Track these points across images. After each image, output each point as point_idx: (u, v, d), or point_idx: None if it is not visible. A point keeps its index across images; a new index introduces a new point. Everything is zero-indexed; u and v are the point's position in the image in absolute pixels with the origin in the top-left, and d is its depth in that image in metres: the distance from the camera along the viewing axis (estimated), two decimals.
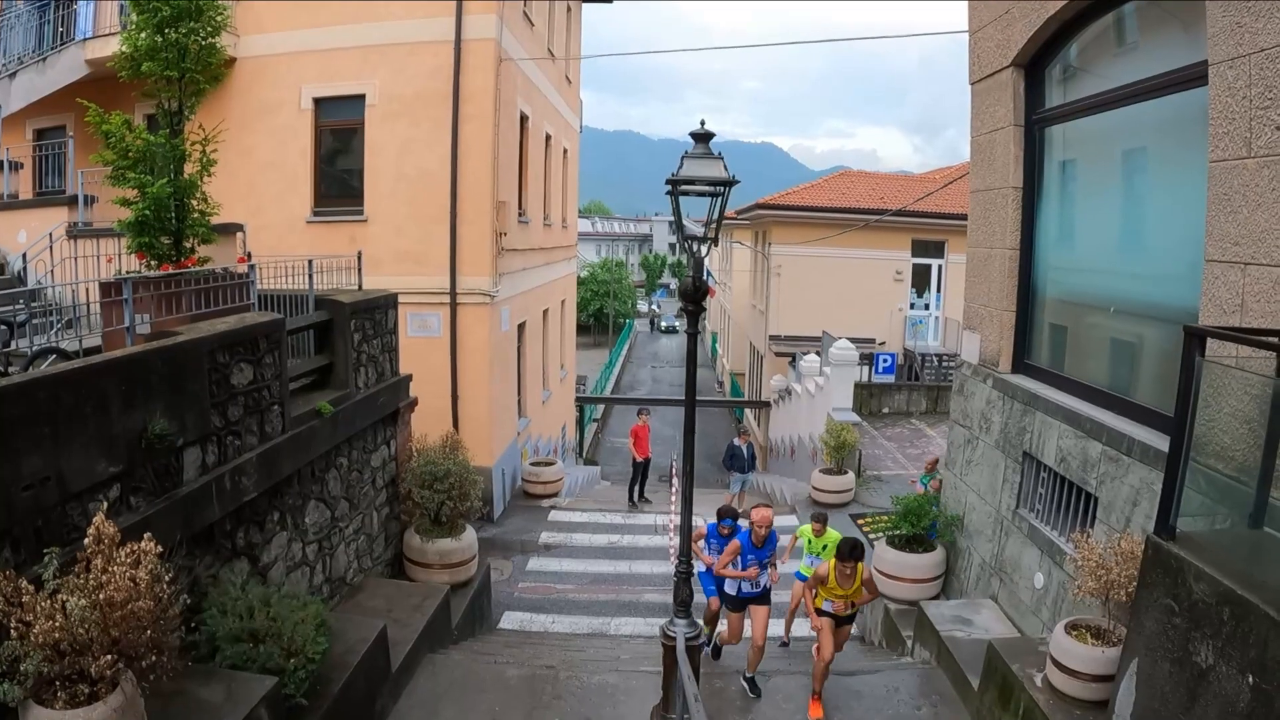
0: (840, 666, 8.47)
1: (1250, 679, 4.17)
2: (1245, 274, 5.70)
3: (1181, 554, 4.86)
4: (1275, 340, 5.06)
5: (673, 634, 7.08)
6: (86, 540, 4.45)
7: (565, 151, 23.47)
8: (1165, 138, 7.49)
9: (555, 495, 18.29)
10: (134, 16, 8.04)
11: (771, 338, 30.04)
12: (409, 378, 11.24)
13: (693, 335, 7.33)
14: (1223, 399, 5.54)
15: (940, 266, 29.76)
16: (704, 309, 7.26)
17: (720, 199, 6.77)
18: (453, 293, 15.32)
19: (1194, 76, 6.31)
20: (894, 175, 40.26)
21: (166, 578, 4.66)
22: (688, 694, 6.00)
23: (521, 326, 19.12)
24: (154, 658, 4.54)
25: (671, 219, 6.98)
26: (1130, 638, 5.42)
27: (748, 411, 33.49)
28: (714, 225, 6.90)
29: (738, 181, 6.72)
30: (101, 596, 4.26)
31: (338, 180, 15.76)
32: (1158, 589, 5.04)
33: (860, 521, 15.19)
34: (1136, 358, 7.82)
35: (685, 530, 7.45)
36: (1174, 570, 4.89)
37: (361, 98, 15.11)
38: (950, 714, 7.77)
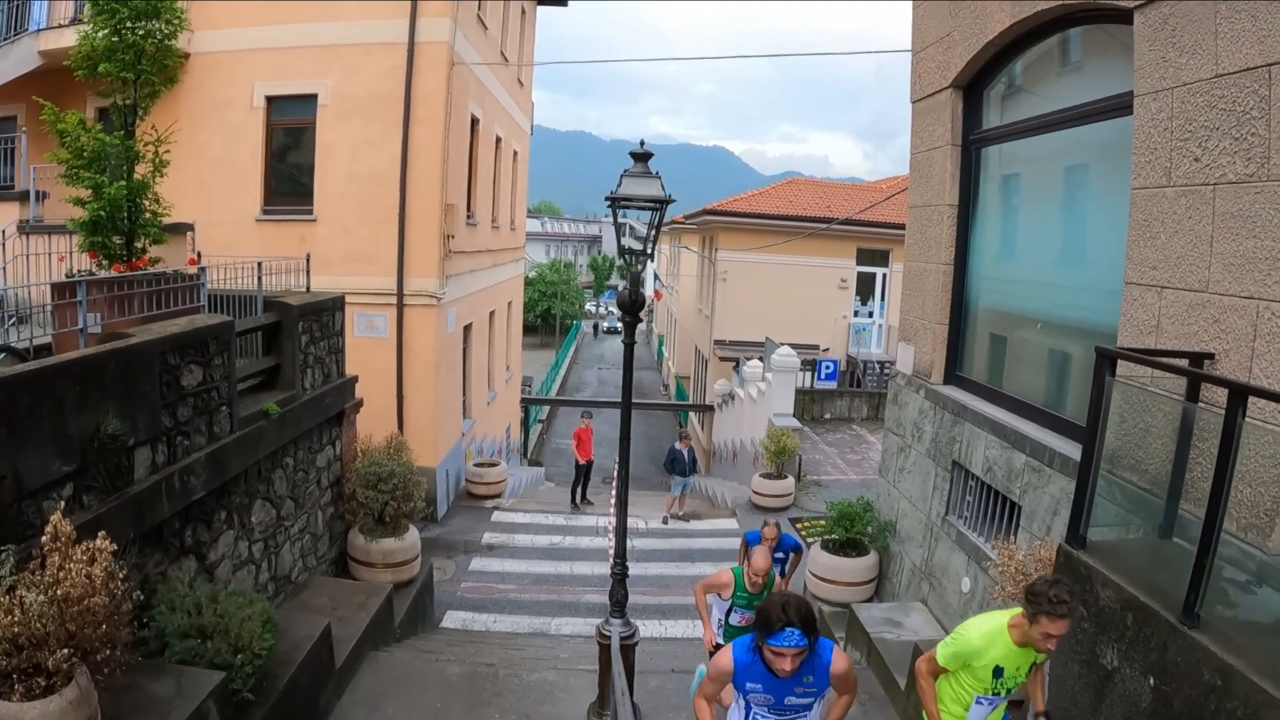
0: None
1: (1151, 680, 4.50)
2: (1161, 297, 6.02)
3: (1090, 562, 5.20)
4: (1179, 363, 5.43)
5: (608, 633, 7.35)
6: (44, 538, 4.57)
7: (515, 154, 23.62)
8: (1094, 163, 7.85)
9: (499, 496, 18.48)
10: (90, 13, 8.10)
11: (716, 342, 30.41)
12: (355, 379, 11.36)
13: (629, 345, 7.62)
14: (1138, 416, 5.89)
15: (885, 275, 30.28)
16: (641, 320, 7.56)
17: (657, 215, 7.07)
18: (400, 294, 15.41)
19: (1121, 106, 6.64)
20: (841, 184, 40.89)
21: (120, 575, 4.80)
22: (616, 691, 6.25)
23: (468, 328, 19.25)
24: (108, 651, 4.68)
25: (624, 223, 7.27)
26: None
27: (692, 415, 33.83)
28: (650, 242, 7.22)
29: (673, 200, 7.04)
30: (59, 592, 4.40)
31: (288, 179, 15.77)
32: None
33: (798, 525, 15.56)
34: (1061, 373, 8.15)
35: (621, 532, 7.70)
36: (1083, 577, 5.22)
37: (314, 97, 15.14)
38: (879, 712, 8.06)
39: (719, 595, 7.35)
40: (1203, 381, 5.07)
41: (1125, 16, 6.39)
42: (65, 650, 4.41)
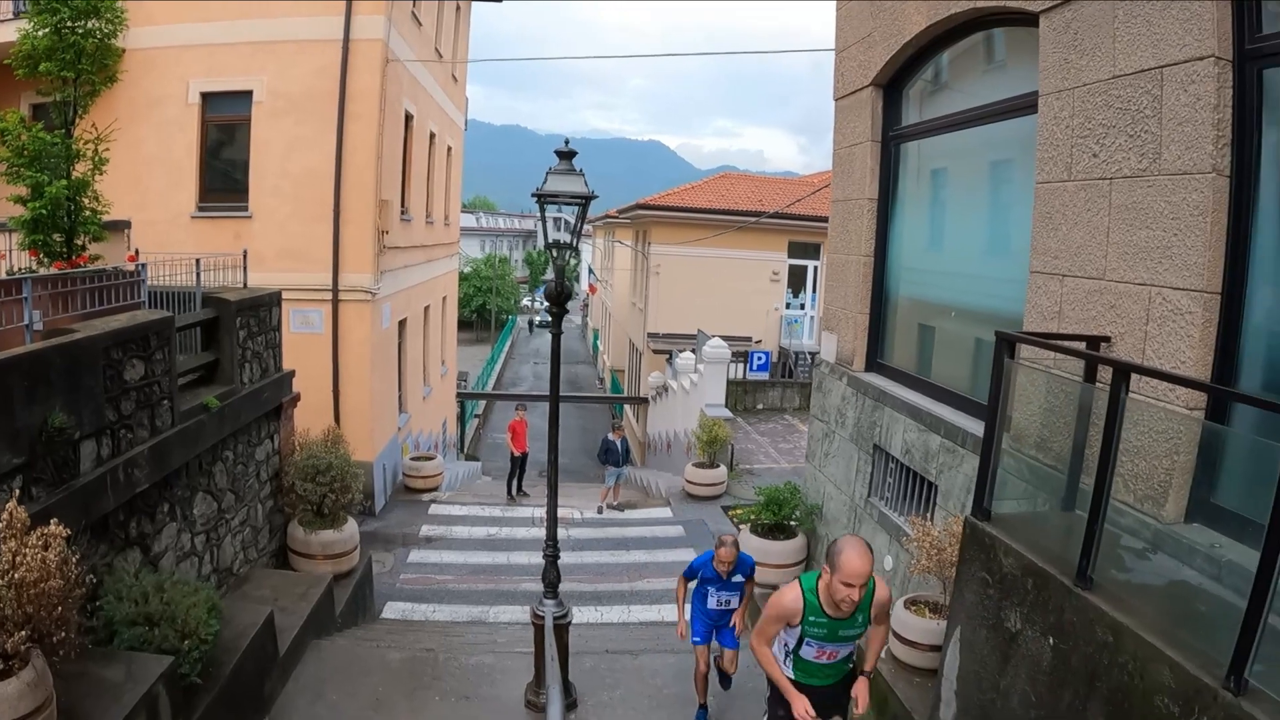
0: None
1: (1051, 640, 4.82)
2: (1063, 284, 6.45)
3: (993, 532, 5.53)
4: (1076, 346, 5.84)
5: (541, 613, 7.64)
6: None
7: (449, 150, 23.74)
8: (1004, 159, 8.27)
9: (435, 489, 18.66)
10: (31, 11, 8.16)
11: (650, 335, 30.79)
12: (292, 373, 11.49)
13: (556, 335, 7.95)
14: (1042, 398, 6.31)
15: (816, 268, 30.89)
16: (568, 311, 7.90)
17: (581, 211, 7.46)
18: (335, 290, 15.53)
19: (1027, 105, 7.05)
20: (773, 178, 41.50)
21: (74, 559, 4.99)
22: (547, 668, 6.54)
23: (403, 323, 19.37)
24: (63, 634, 4.87)
25: (555, 218, 7.58)
26: (954, 608, 6.09)
27: (627, 407, 34.19)
28: (576, 235, 7.62)
29: (596, 196, 7.40)
30: (16, 576, 4.58)
31: (223, 176, 15.77)
32: (974, 564, 5.71)
33: (731, 512, 15.98)
34: (974, 359, 8.51)
35: (551, 514, 8.02)
36: (987, 547, 5.55)
37: (249, 94, 15.18)
38: None
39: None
40: (1094, 362, 5.45)
41: (1032, 20, 6.79)
42: (23, 633, 4.59)
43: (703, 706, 7.79)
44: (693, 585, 7.80)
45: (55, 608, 4.79)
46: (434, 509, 17.58)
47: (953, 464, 7.93)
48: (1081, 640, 4.58)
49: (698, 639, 7.68)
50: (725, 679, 7.97)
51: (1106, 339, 5.91)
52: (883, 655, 7.16)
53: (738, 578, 7.61)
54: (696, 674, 7.74)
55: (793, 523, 11.21)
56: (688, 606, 7.77)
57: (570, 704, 7.85)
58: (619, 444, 18.45)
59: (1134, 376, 5.41)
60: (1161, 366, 5.42)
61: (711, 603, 7.67)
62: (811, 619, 5.14)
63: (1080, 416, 5.54)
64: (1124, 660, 4.22)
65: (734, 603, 7.70)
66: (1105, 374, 5.35)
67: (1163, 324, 5.47)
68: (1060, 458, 5.87)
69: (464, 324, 49.65)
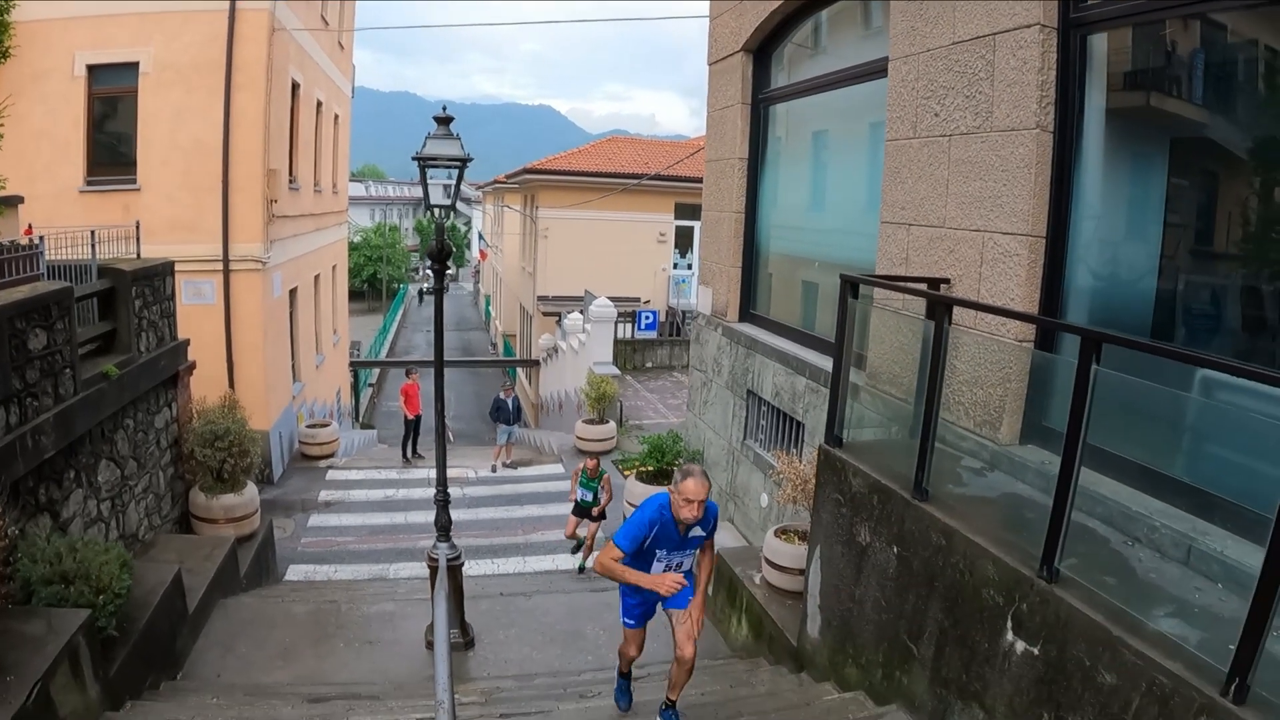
0: (594, 584, 9.74)
1: (895, 549, 5.48)
2: (909, 234, 7.11)
3: (844, 457, 6.18)
4: (910, 286, 6.48)
5: (435, 556, 8.11)
6: None
7: (336, 117, 23.65)
8: (861, 120, 8.89)
9: (332, 456, 18.87)
10: None
11: (540, 298, 31.14)
12: (187, 342, 11.64)
13: (439, 291, 8.44)
14: (892, 336, 6.98)
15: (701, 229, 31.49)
16: (449, 268, 8.42)
17: (459, 173, 7.90)
18: (225, 260, 15.58)
19: (880, 69, 7.68)
20: (661, 141, 41.95)
21: None
22: (435, 606, 6.89)
23: (293, 292, 19.42)
24: None
25: (443, 185, 8.06)
26: (813, 529, 6.75)
27: (519, 371, 34.55)
28: (453, 196, 8.13)
29: (472, 159, 7.82)
30: None
31: (111, 149, 15.61)
32: (829, 486, 6.38)
33: (621, 466, 16.64)
34: (835, 305, 9.19)
35: (441, 459, 8.45)
36: (839, 470, 6.21)
37: (136, 65, 15.02)
38: None
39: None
40: (930, 300, 5.95)
41: None
42: None
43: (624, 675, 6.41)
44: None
45: None
46: (331, 475, 17.82)
47: (817, 403, 8.57)
48: (920, 546, 5.22)
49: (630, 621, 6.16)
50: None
51: (947, 280, 6.59)
52: (756, 581, 7.89)
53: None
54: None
55: (675, 469, 11.86)
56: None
57: (468, 642, 8.36)
58: (510, 402, 18.91)
59: (970, 313, 6.17)
60: (993, 303, 6.10)
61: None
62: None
63: (924, 351, 5.99)
64: (955, 560, 4.85)
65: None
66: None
67: (995, 265, 6.16)
68: (909, 391, 6.46)
69: (355, 294, 49.13)
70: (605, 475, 11.89)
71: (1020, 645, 4.32)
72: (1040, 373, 6.01)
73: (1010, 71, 5.95)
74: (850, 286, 6.39)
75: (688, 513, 5.34)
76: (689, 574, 5.74)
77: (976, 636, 4.66)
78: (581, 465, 11.90)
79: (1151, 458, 4.94)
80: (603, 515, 11.87)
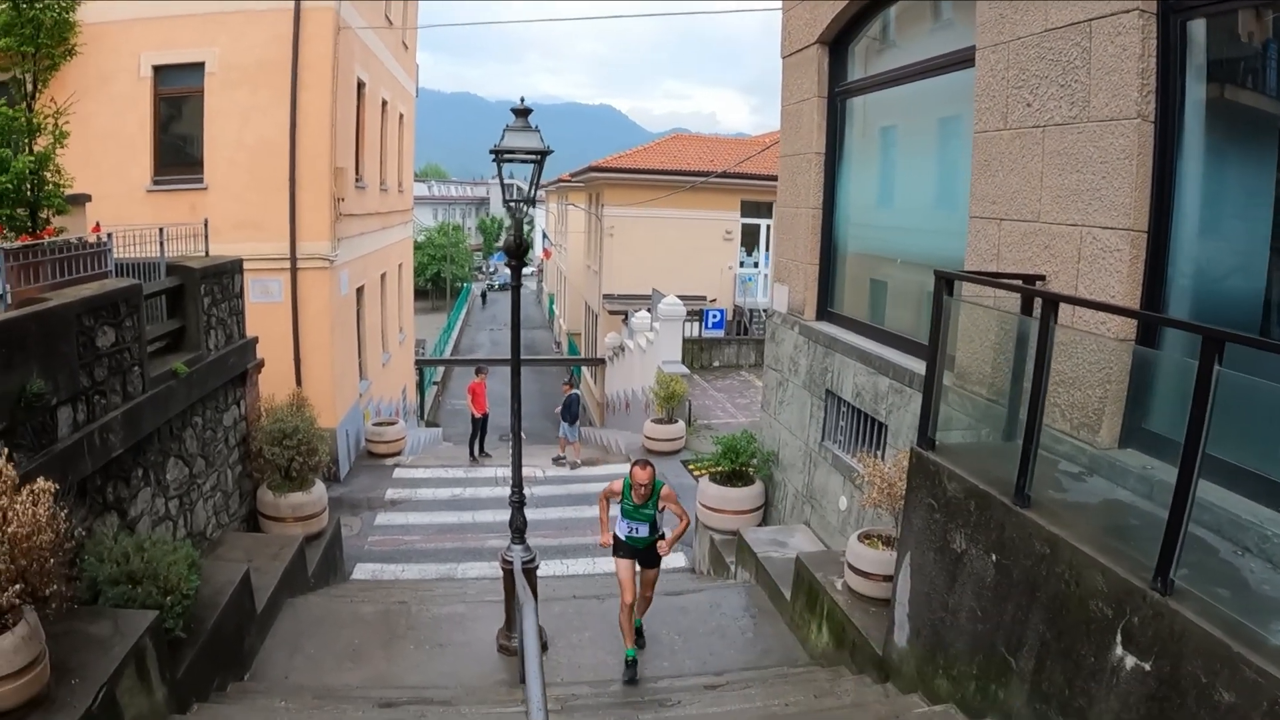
0: (667, 588, 9.44)
1: (993, 557, 5.19)
2: (1000, 228, 6.81)
3: (938, 460, 5.89)
4: (1012, 282, 6.17)
5: (510, 558, 7.93)
6: None
7: (401, 117, 23.70)
8: (945, 112, 8.59)
9: (398, 454, 18.88)
10: None
11: (605, 296, 30.99)
12: (255, 340, 11.62)
13: (516, 287, 8.26)
14: (982, 335, 6.69)
15: (769, 226, 31.15)
16: (527, 264, 8.21)
17: (538, 166, 7.69)
18: (293, 258, 15.61)
19: (966, 59, 7.38)
20: (725, 138, 41.68)
21: (62, 514, 5.19)
22: (521, 600, 6.76)
23: (360, 290, 19.47)
24: (54, 587, 5.07)
25: (519, 182, 7.87)
26: (903, 534, 6.46)
27: (585, 370, 34.46)
28: (533, 188, 7.93)
29: (552, 151, 7.66)
30: (9, 531, 4.78)
31: (178, 149, 15.72)
32: (921, 491, 6.09)
33: (690, 466, 16.36)
34: (918, 303, 8.88)
35: (516, 460, 8.29)
36: (932, 474, 5.92)
37: (201, 65, 15.11)
38: (767, 622, 8.87)
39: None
40: (1027, 295, 5.74)
41: None
42: (17, 587, 4.79)
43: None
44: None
45: (46, 561, 4.97)
46: (398, 473, 17.80)
47: (901, 404, 8.30)
48: (1021, 554, 4.92)
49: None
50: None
51: (1042, 277, 6.27)
52: (838, 587, 7.59)
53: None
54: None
55: (750, 470, 11.58)
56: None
57: (542, 646, 8.14)
58: (567, 399, 19.10)
59: (1068, 311, 5.81)
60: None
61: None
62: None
63: (1018, 349, 5.87)
64: (1060, 570, 4.57)
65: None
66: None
67: (1094, 261, 5.85)
68: (1000, 392, 6.26)
69: (419, 293, 49.50)
70: (664, 488, 7.90)
71: (1130, 660, 4.07)
72: (1142, 373, 5.73)
73: (1108, 59, 5.66)
74: (945, 283, 6.13)
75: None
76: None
77: (1082, 650, 4.41)
78: (622, 484, 7.97)
79: (1260, 463, 4.64)
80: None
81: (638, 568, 8.09)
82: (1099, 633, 4.27)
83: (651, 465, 7.87)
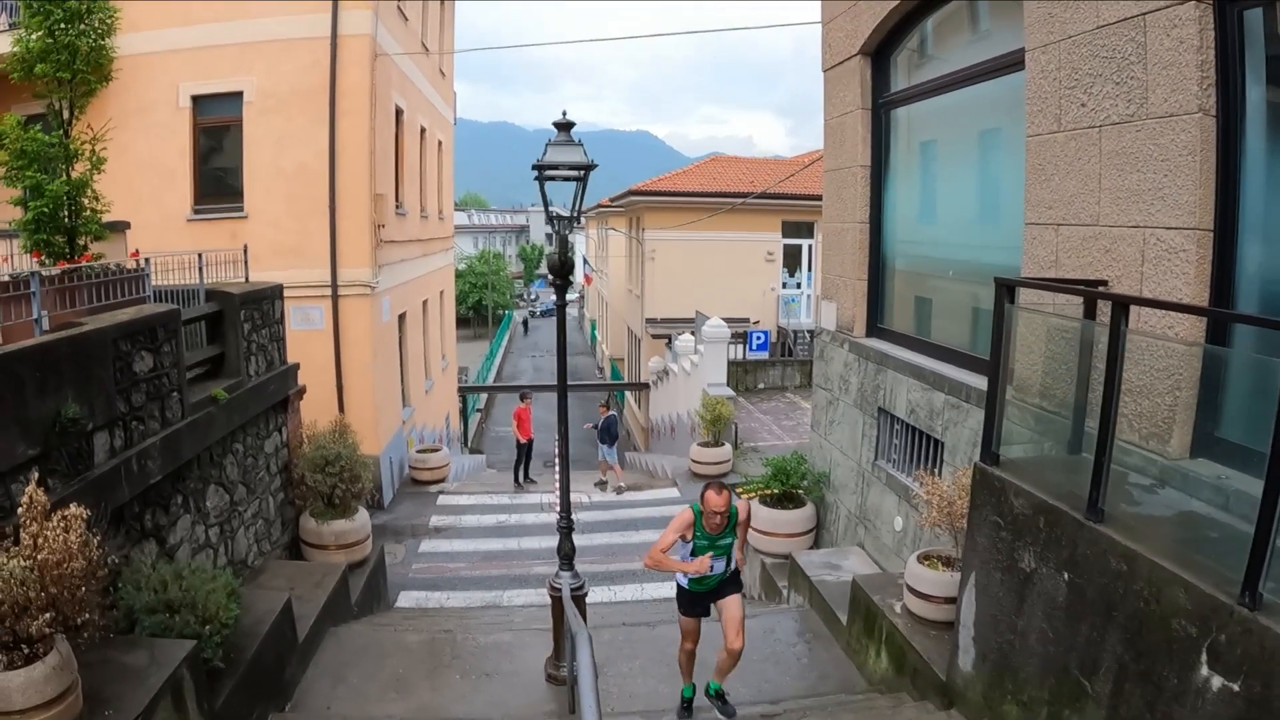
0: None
1: (1065, 575, 4.94)
2: (1058, 234, 6.57)
3: (1003, 475, 5.64)
4: (1077, 287, 5.89)
5: (558, 585, 7.70)
6: (20, 509, 4.78)
7: (440, 144, 23.75)
8: (993, 118, 8.38)
9: (442, 480, 18.73)
10: (25, 16, 8.20)
11: (648, 321, 30.87)
12: (296, 366, 11.54)
13: (561, 306, 8.05)
14: (1043, 345, 6.41)
15: (810, 246, 31.05)
16: (571, 282, 7.94)
17: (582, 181, 7.46)
18: (334, 285, 15.55)
19: (1014, 62, 7.18)
20: (764, 160, 41.54)
21: (95, 540, 5.03)
22: (572, 628, 6.55)
23: (402, 317, 19.41)
24: (86, 616, 4.91)
25: (561, 204, 7.65)
26: (967, 554, 6.20)
27: (629, 394, 34.26)
28: (577, 205, 7.69)
29: (596, 165, 7.44)
30: (39, 558, 4.63)
31: (217, 177, 15.78)
32: (985, 508, 5.83)
33: (738, 489, 16.03)
34: (972, 316, 8.66)
35: (564, 486, 8.06)
36: (997, 490, 5.67)
37: (239, 94, 15.17)
38: (823, 648, 8.57)
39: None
40: (1092, 299, 5.54)
41: None
42: (47, 615, 4.63)
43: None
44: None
45: (78, 589, 4.83)
46: (442, 500, 17.66)
47: (958, 419, 8.01)
48: (1096, 571, 4.67)
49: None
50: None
51: (1104, 282, 6.02)
52: (897, 610, 7.28)
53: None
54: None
55: (801, 491, 11.27)
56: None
57: None
58: (602, 421, 19.00)
59: (1133, 315, 5.51)
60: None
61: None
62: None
63: (1082, 357, 5.63)
64: (1139, 587, 4.32)
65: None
66: (1105, 317, 5.44)
67: (1158, 264, 5.59)
68: (1064, 403, 5.99)
69: (461, 321, 49.65)
70: (741, 511, 6.82)
71: (1217, 680, 3.86)
72: (1213, 379, 5.44)
73: (1165, 53, 5.43)
74: (1006, 291, 5.87)
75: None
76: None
77: (1164, 671, 4.18)
78: (691, 514, 6.61)
79: None
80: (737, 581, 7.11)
81: (712, 611, 6.85)
82: (1182, 652, 4.06)
83: (727, 488, 6.47)
